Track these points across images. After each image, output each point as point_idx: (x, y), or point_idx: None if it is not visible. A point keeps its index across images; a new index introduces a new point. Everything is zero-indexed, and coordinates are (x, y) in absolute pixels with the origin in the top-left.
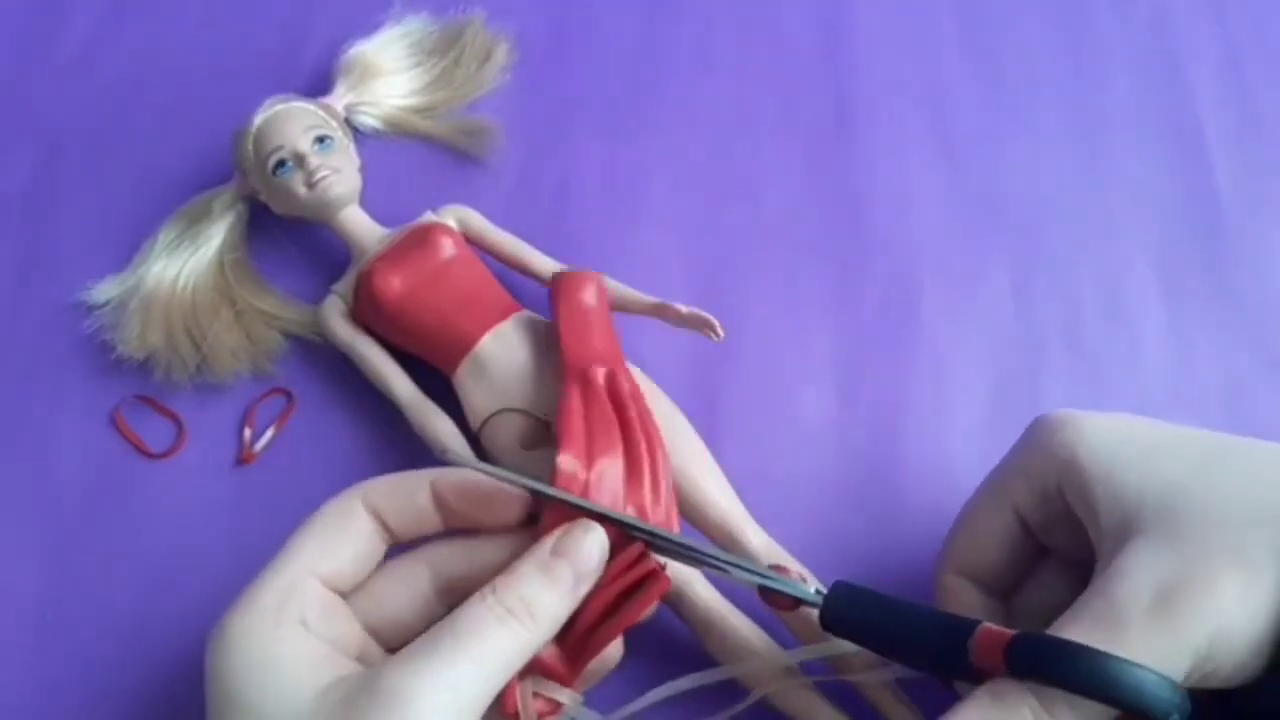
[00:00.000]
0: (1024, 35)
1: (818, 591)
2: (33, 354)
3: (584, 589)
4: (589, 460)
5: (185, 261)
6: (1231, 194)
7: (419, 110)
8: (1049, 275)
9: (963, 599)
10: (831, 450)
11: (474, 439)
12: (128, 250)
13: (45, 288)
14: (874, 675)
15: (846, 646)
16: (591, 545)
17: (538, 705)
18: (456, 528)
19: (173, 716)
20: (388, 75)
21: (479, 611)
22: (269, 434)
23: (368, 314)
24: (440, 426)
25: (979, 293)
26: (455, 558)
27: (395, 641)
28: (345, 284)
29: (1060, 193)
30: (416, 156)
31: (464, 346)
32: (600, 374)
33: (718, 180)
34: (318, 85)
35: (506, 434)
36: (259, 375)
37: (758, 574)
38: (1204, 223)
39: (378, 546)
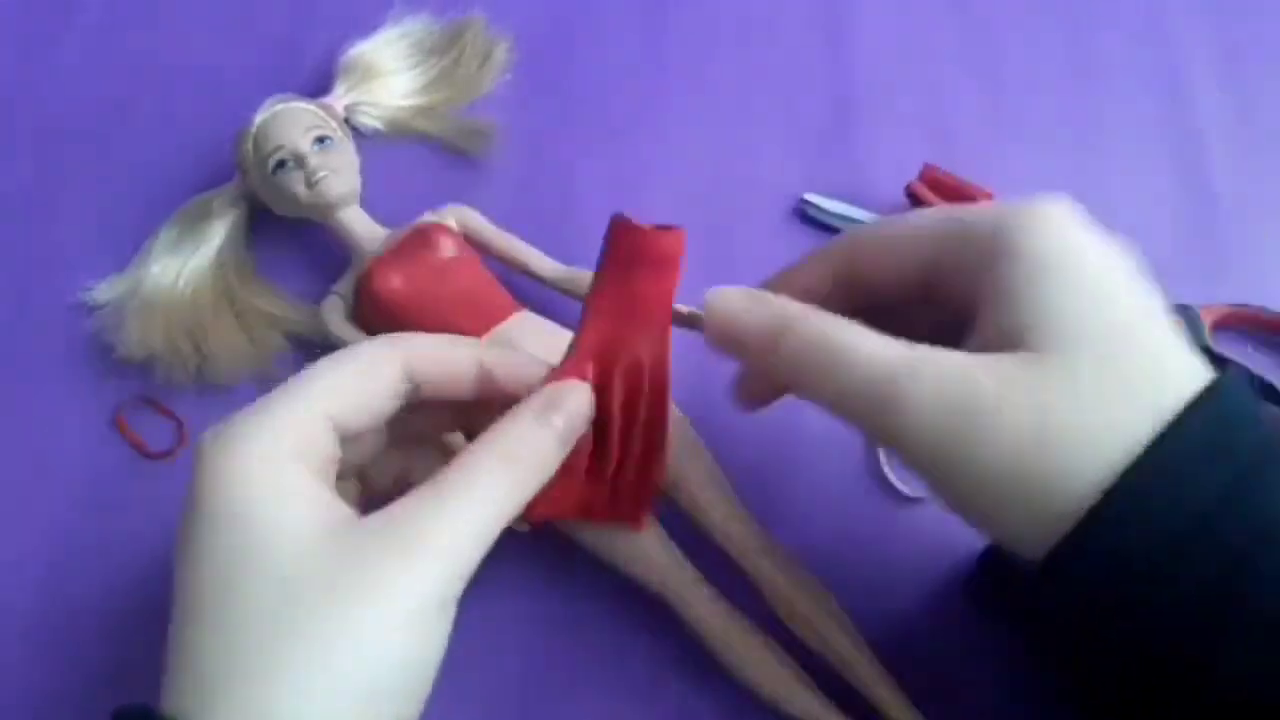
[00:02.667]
0: (1023, 36)
1: None
2: (33, 354)
3: (572, 441)
4: None
5: (185, 262)
6: (1231, 194)
7: (419, 110)
8: None
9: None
10: (833, 450)
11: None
12: (129, 250)
13: (46, 288)
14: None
15: None
16: (580, 400)
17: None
18: (484, 398)
19: None
20: (388, 75)
21: (481, 455)
22: None
23: (368, 314)
24: None
25: None
26: (429, 361)
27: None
28: (345, 284)
29: (1060, 193)
30: (416, 157)
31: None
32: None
33: (718, 180)
34: (318, 86)
35: None
36: (259, 376)
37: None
38: (1204, 223)
39: (397, 404)
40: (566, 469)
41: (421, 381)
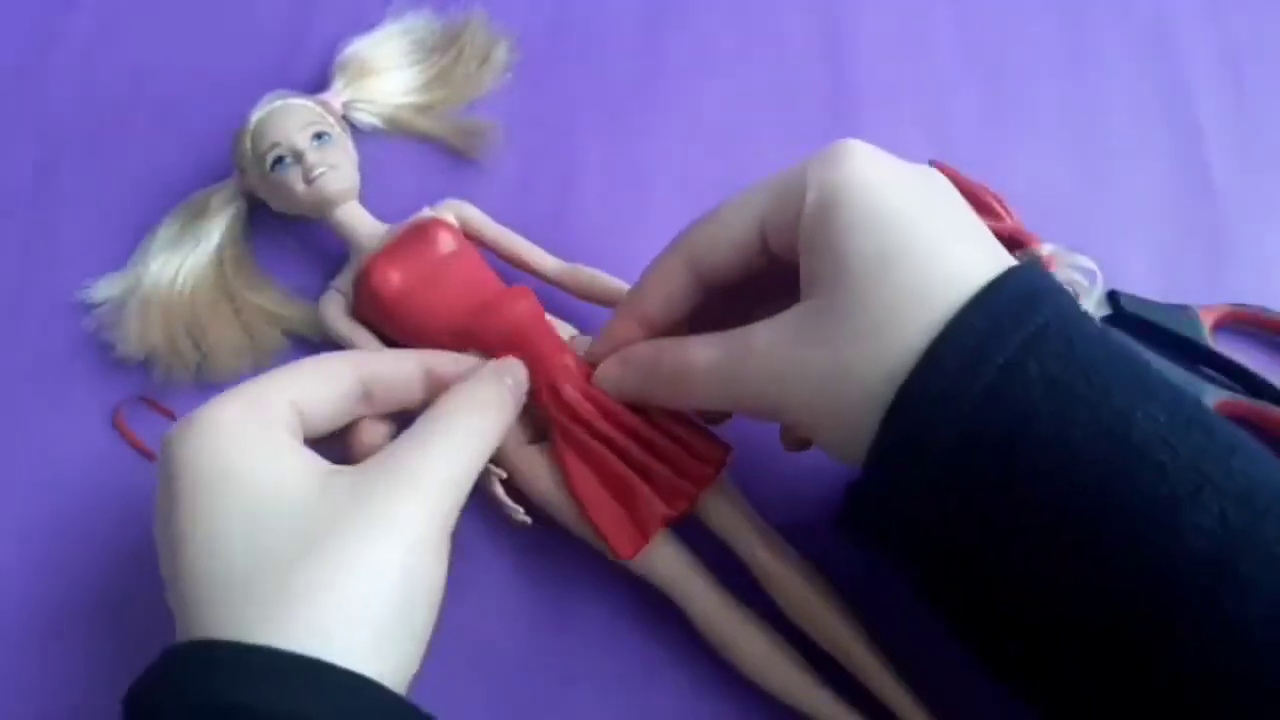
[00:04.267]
0: (1023, 35)
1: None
2: (33, 353)
3: (520, 401)
4: None
5: (184, 259)
6: (1231, 194)
7: (417, 108)
8: None
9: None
10: None
11: None
12: (129, 249)
13: (46, 287)
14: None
15: None
16: (520, 370)
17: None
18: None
19: None
20: (386, 72)
21: (454, 404)
22: None
23: (367, 309)
24: None
25: None
26: (381, 373)
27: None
28: (344, 279)
29: (1060, 193)
30: (415, 156)
31: (463, 342)
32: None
33: (718, 180)
34: (316, 82)
35: (509, 429)
36: (259, 373)
37: None
38: (1204, 222)
39: (353, 410)
40: (629, 492)
41: (375, 393)
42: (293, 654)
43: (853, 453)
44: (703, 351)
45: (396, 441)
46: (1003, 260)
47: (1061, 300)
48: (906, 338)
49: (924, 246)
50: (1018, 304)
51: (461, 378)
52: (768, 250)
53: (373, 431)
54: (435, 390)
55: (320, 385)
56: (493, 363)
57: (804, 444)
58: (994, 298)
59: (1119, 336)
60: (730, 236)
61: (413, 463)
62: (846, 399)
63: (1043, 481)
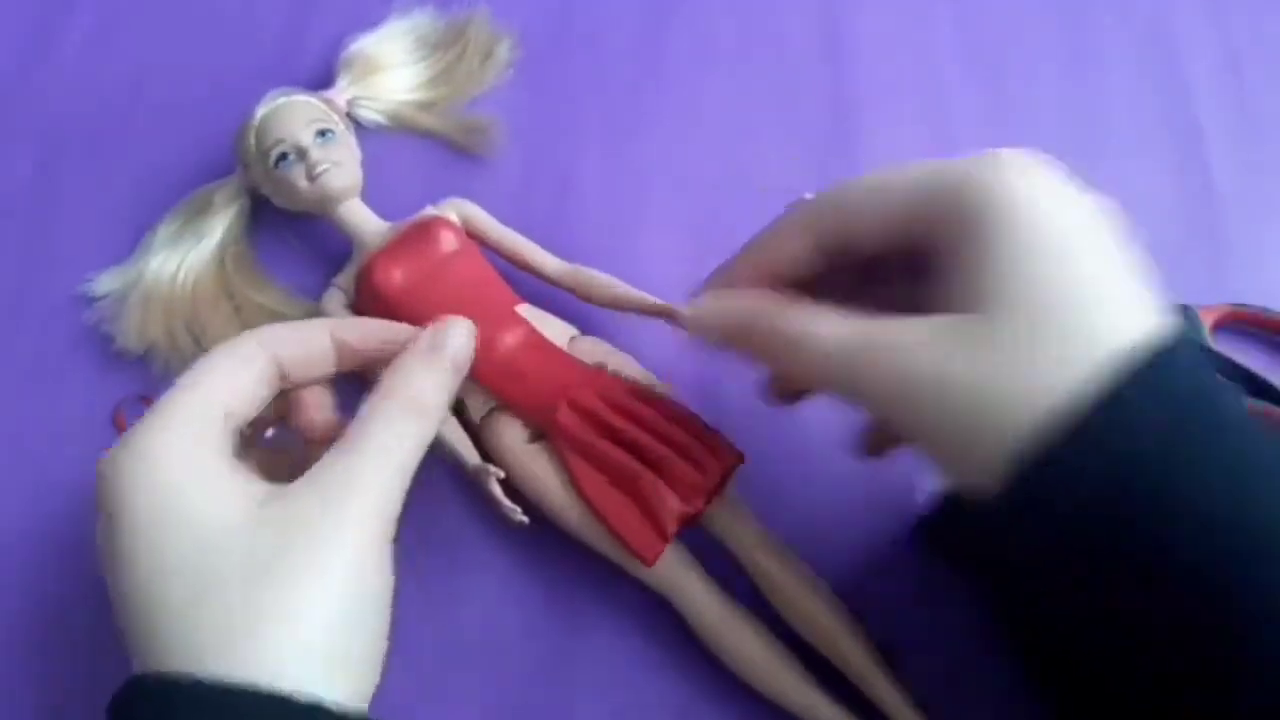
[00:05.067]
0: (1023, 35)
1: None
2: (33, 352)
3: (460, 378)
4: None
5: (186, 255)
6: (1231, 194)
7: (421, 105)
8: None
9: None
10: (834, 447)
11: (475, 433)
12: (129, 249)
13: (46, 286)
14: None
15: None
16: (462, 337)
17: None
18: (350, 369)
19: None
20: (390, 69)
21: (386, 408)
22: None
23: (368, 308)
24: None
25: None
26: (290, 346)
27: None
28: (346, 277)
29: None
30: (418, 153)
31: None
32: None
33: (718, 180)
34: (320, 79)
35: (507, 428)
36: None
37: None
38: (1204, 222)
39: (271, 389)
40: (641, 496)
41: (289, 369)
42: (250, 688)
43: (964, 477)
44: (831, 327)
45: (328, 455)
46: (1159, 310)
47: (1218, 389)
48: (1062, 385)
49: (1090, 289)
50: (1177, 396)
51: (372, 347)
52: (908, 238)
53: (316, 404)
54: (349, 361)
55: (242, 377)
56: (425, 335)
57: (795, 396)
58: (1154, 376)
59: (1258, 426)
60: (866, 217)
61: (346, 477)
62: (981, 429)
63: (1168, 580)
